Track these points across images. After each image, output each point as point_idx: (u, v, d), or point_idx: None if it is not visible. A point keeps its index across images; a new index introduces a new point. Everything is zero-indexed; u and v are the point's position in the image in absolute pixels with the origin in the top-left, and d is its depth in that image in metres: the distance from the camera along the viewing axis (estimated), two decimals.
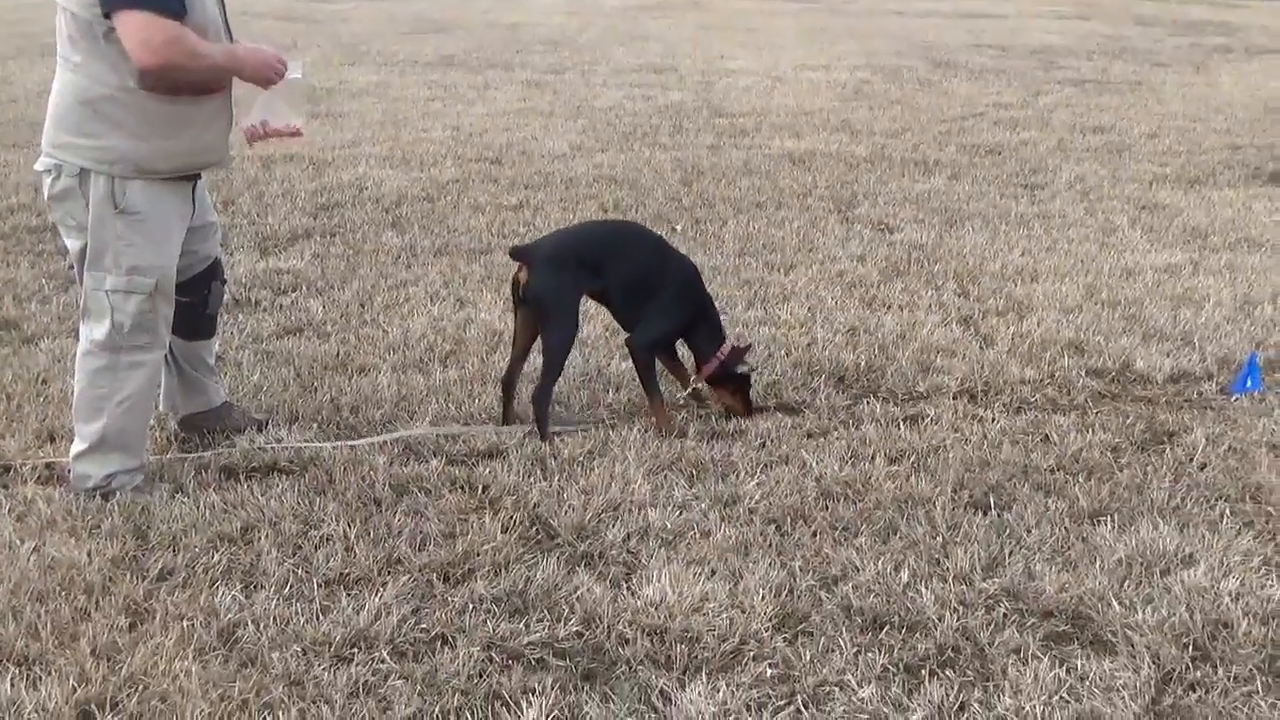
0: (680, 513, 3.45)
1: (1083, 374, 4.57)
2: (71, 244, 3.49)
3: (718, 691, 2.64)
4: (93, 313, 3.45)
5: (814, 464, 3.74)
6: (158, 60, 3.17)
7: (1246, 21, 21.36)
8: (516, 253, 4.11)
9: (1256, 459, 3.85)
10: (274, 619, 2.88)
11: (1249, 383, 4.40)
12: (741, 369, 4.17)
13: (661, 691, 2.66)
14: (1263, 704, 2.63)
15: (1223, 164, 8.78)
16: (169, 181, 3.43)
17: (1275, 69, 15.00)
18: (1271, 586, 3.06)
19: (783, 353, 4.70)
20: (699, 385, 4.26)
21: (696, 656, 2.78)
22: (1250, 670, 2.75)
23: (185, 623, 2.85)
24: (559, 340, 4.00)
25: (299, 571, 3.11)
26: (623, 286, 4.10)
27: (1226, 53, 16.84)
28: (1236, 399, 4.37)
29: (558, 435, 3.93)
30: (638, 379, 4.14)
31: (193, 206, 3.58)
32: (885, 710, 2.60)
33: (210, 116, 3.45)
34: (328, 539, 3.27)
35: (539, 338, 4.04)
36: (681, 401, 4.31)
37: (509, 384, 4.13)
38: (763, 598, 2.99)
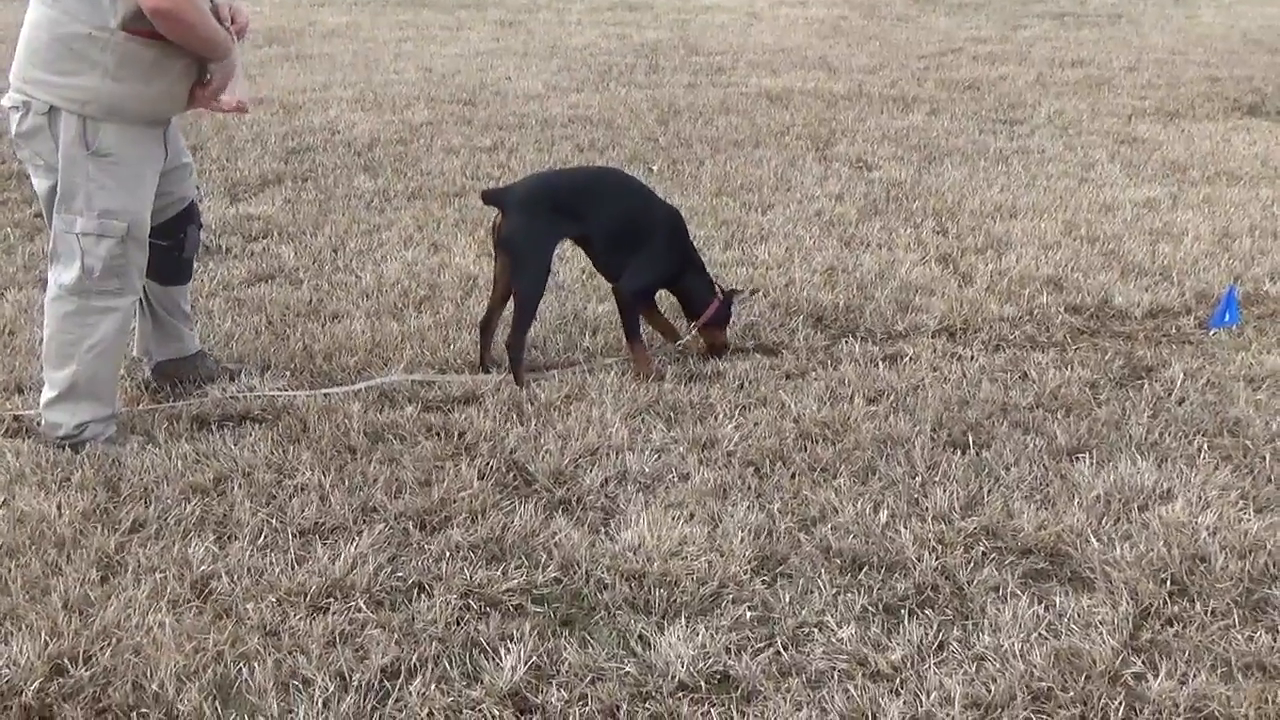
0: (658, 456, 3.42)
1: (1061, 310, 4.56)
2: (39, 184, 3.41)
3: (697, 635, 2.63)
4: (62, 256, 3.37)
5: (792, 405, 3.72)
6: (169, 4, 3.09)
7: None
8: (488, 196, 4.02)
9: (1234, 393, 3.84)
10: (248, 570, 2.85)
11: (1227, 316, 4.40)
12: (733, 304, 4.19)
13: (640, 636, 2.64)
14: (1239, 637, 2.64)
15: (1202, 97, 8.73)
16: (142, 124, 3.35)
17: None
18: (1249, 520, 3.07)
19: (760, 293, 4.65)
20: (694, 332, 4.18)
21: (675, 600, 2.77)
22: (1227, 604, 2.76)
23: (158, 575, 2.82)
24: (529, 287, 3.93)
25: (273, 521, 3.07)
26: (605, 233, 4.02)
27: None
28: (1215, 333, 4.37)
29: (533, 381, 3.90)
30: (621, 325, 4.09)
31: (165, 150, 3.49)
32: (865, 650, 2.59)
33: (187, 65, 3.36)
34: (302, 488, 3.23)
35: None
36: (679, 348, 4.25)
37: (486, 328, 4.08)
38: (741, 540, 2.98)
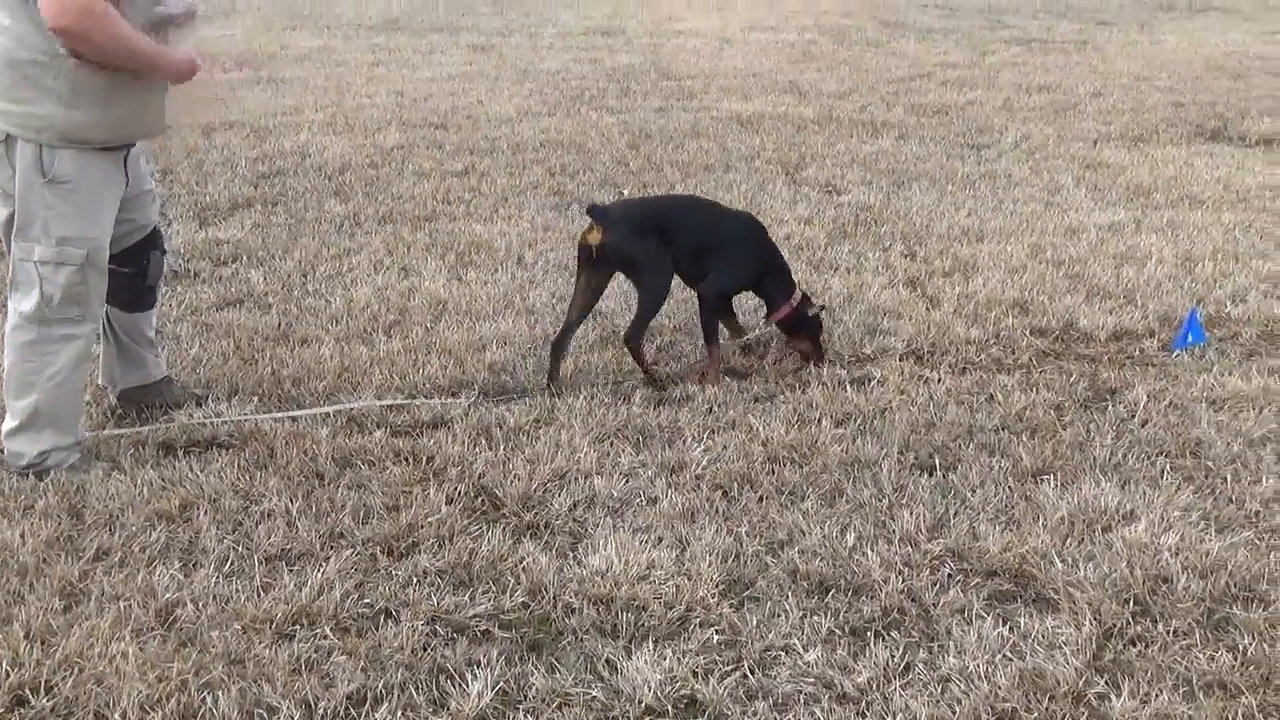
0: (627, 480, 3.43)
1: (1027, 333, 4.60)
2: None
3: (664, 659, 2.63)
4: (21, 284, 3.35)
5: (761, 428, 3.74)
6: (67, 22, 3.06)
7: None
8: (595, 211, 4.14)
9: (1196, 414, 3.89)
10: (213, 597, 2.83)
11: (1189, 338, 4.45)
12: (811, 310, 4.31)
13: (608, 660, 2.65)
14: (1200, 656, 2.67)
15: (1165, 122, 8.85)
16: (100, 151, 3.33)
17: (1218, 26, 15.14)
18: (1210, 541, 3.10)
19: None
20: (767, 329, 4.45)
21: (643, 624, 2.77)
22: (1189, 624, 2.79)
23: (122, 603, 2.80)
24: (653, 289, 4.13)
25: (239, 548, 3.05)
26: (688, 253, 4.22)
27: (1170, 10, 16.97)
28: (1177, 355, 4.42)
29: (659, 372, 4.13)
30: (700, 324, 4.28)
31: (126, 177, 3.48)
32: (831, 673, 2.60)
33: (145, 90, 3.35)
34: (269, 514, 3.22)
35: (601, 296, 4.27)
36: (734, 352, 4.45)
37: (560, 346, 4.17)
38: (709, 564, 2.99)
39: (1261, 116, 8.99)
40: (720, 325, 4.37)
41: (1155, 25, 15.17)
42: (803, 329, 4.32)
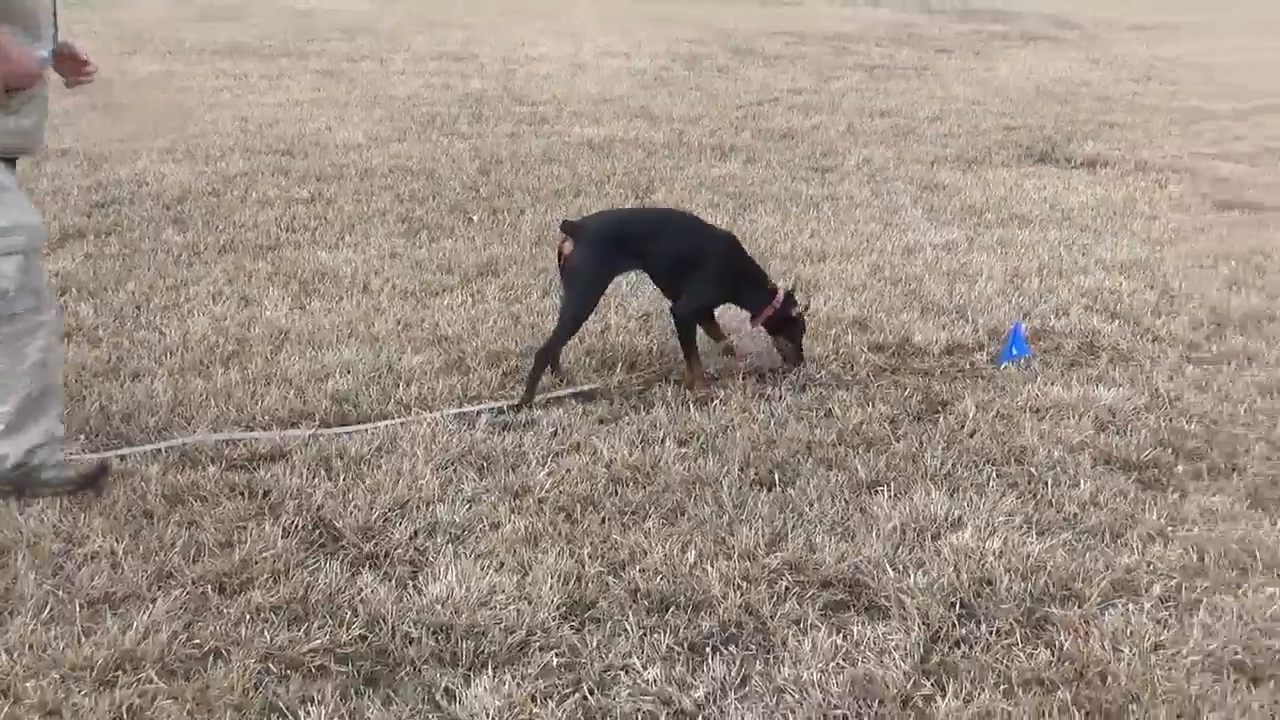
0: (469, 506, 3.41)
1: (865, 349, 4.74)
2: None
3: (503, 685, 2.62)
4: None
5: (605, 450, 3.76)
6: None
7: (1022, 9, 22.60)
8: (568, 226, 4.31)
9: (1021, 423, 4.07)
10: (29, 646, 2.71)
11: (1014, 350, 4.65)
12: (794, 311, 4.45)
13: (446, 689, 2.62)
14: (1021, 654, 2.79)
15: (998, 144, 9.26)
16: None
17: (1047, 54, 15.92)
18: (1031, 544, 3.24)
19: (576, 340, 4.70)
20: (756, 330, 4.59)
21: (483, 651, 2.76)
22: (1010, 624, 2.90)
23: None
24: (573, 310, 4.27)
25: (59, 593, 2.93)
26: (664, 267, 4.41)
27: (1004, 39, 17.78)
28: (1005, 367, 4.61)
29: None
30: (679, 344, 4.39)
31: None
32: (669, 690, 2.63)
33: (22, 101, 3.32)
34: (92, 556, 3.09)
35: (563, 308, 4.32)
36: (723, 353, 4.64)
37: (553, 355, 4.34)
38: (551, 587, 2.99)
39: (1086, 139, 9.49)
40: (702, 330, 4.53)
41: (990, 53, 15.87)
42: (783, 330, 4.46)
